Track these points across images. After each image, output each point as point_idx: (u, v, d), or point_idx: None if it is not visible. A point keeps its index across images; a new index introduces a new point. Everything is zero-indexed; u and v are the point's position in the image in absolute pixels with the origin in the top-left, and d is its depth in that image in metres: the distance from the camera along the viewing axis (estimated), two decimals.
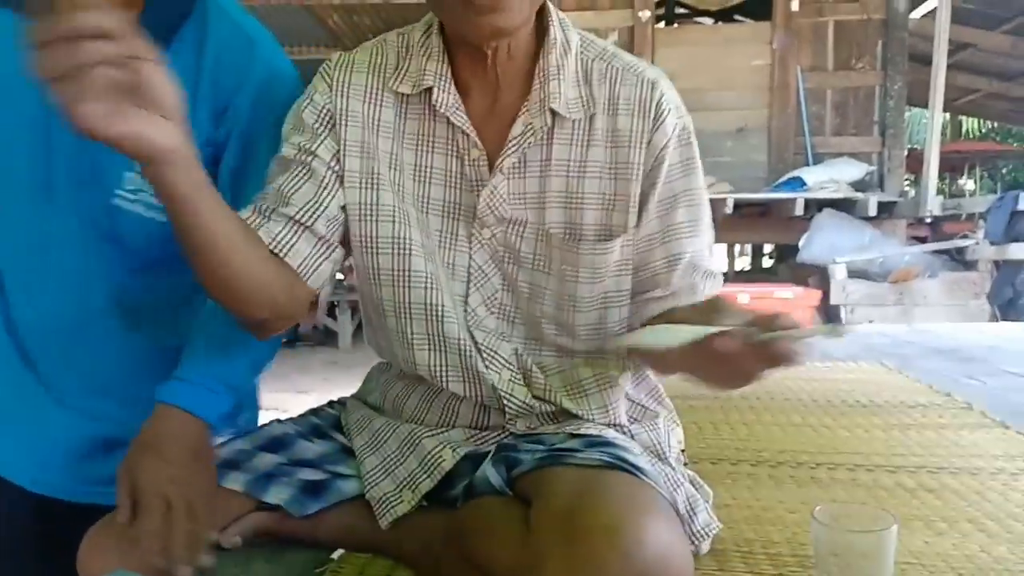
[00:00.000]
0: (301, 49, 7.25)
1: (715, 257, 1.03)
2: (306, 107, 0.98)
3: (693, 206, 0.98)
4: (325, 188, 0.96)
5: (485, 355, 0.99)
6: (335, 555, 1.02)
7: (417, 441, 1.01)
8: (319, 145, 0.96)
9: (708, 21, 7.47)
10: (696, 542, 1.00)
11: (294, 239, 0.94)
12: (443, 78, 0.95)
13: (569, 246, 0.96)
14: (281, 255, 0.94)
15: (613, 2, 6.34)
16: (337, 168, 0.97)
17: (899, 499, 1.30)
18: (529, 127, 0.94)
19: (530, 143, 0.94)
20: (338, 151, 0.97)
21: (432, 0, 0.91)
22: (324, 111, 0.98)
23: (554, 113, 0.94)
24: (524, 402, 1.00)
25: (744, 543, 1.09)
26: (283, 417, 1.12)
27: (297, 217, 0.94)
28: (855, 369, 2.50)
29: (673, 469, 1.01)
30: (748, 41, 6.32)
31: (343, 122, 0.97)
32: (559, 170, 0.95)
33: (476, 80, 0.96)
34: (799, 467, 1.47)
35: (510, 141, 0.94)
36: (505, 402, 0.99)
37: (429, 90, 0.95)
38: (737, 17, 7.10)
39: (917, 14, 7.15)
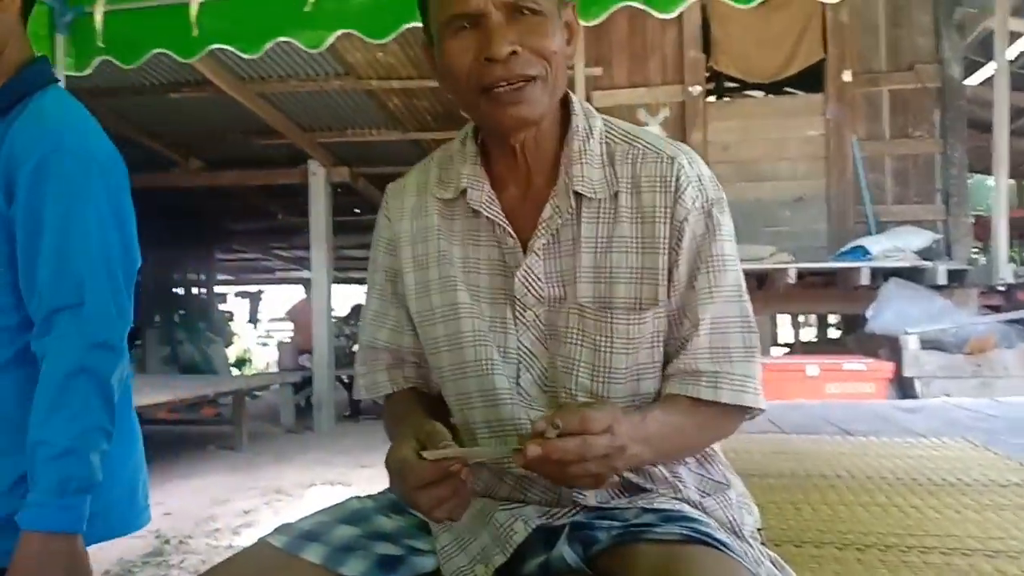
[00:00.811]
0: (363, 131, 7.51)
1: (749, 328, 1.02)
2: (377, 244, 1.15)
3: (714, 272, 0.99)
4: (402, 314, 1.11)
5: None
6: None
7: (490, 516, 1.02)
8: (389, 280, 1.12)
9: (759, 94, 7.51)
10: None
11: (405, 372, 1.14)
12: (477, 178, 1.04)
13: (602, 317, 0.99)
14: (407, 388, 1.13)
15: (664, 78, 6.43)
16: (399, 290, 1.11)
17: None
18: (556, 210, 1.00)
19: (558, 224, 1.00)
20: (396, 274, 1.11)
21: (462, 100, 0.99)
22: (388, 243, 1.13)
23: (578, 195, 1.00)
24: None
25: None
26: (361, 494, 1.13)
27: (392, 361, 1.13)
28: (939, 446, 2.40)
29: (751, 546, 0.98)
30: (801, 113, 6.33)
31: (399, 245, 1.11)
32: (587, 247, 1.00)
33: (509, 173, 1.04)
34: (888, 550, 1.41)
35: (540, 224, 1.01)
36: None
37: (466, 191, 1.03)
38: (788, 90, 7.12)
39: (974, 80, 7.07)
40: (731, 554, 0.85)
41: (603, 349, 0.99)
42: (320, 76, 6.22)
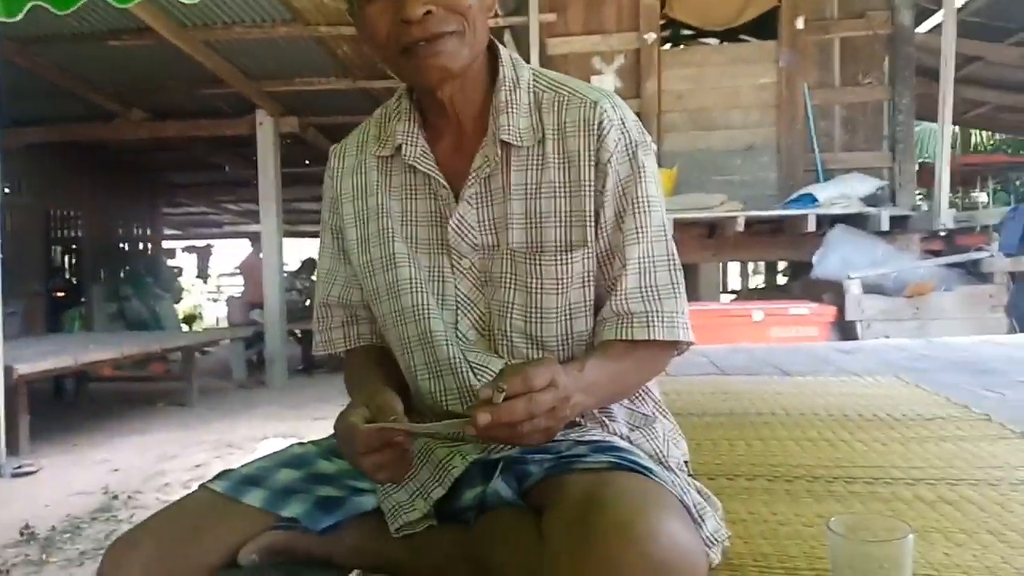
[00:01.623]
0: (312, 80, 7.33)
1: (675, 265, 1.04)
2: (324, 203, 1.18)
3: (640, 213, 1.01)
4: (351, 272, 1.14)
5: (478, 372, 1.04)
6: (352, 575, 1.01)
7: (429, 452, 1.05)
8: (335, 238, 1.16)
9: (714, 42, 7.50)
10: (707, 548, 0.99)
11: (359, 329, 1.17)
12: (410, 134, 1.07)
13: (533, 260, 1.02)
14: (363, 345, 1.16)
15: (619, 25, 6.39)
16: (344, 246, 1.14)
17: (918, 512, 1.28)
18: (485, 159, 1.03)
19: (487, 173, 1.03)
20: (342, 230, 1.14)
21: (388, 63, 1.01)
22: (332, 201, 1.16)
23: (506, 144, 1.02)
24: None
25: (761, 557, 1.08)
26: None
27: (346, 318, 1.17)
28: (871, 383, 2.48)
29: (677, 476, 1.02)
30: (754, 60, 6.35)
31: (340, 203, 1.14)
32: (517, 194, 1.03)
33: (441, 126, 1.08)
34: (815, 481, 1.46)
35: (471, 173, 1.03)
36: None
37: (401, 147, 1.07)
38: (742, 37, 7.12)
39: (923, 28, 7.15)
40: (656, 479, 0.89)
41: (534, 291, 1.02)
42: (266, 23, 6.03)
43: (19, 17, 4.13)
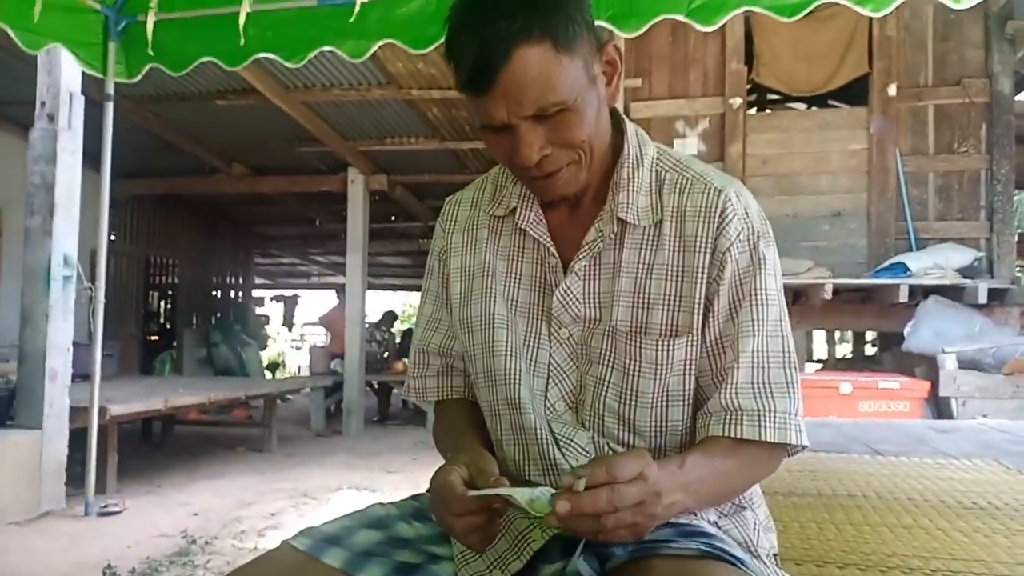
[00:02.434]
0: (402, 140, 7.58)
1: (791, 363, 1.00)
2: (432, 251, 1.19)
3: (756, 306, 0.98)
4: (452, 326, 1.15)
5: (563, 444, 1.03)
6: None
7: (509, 523, 1.03)
8: (442, 287, 1.17)
9: (801, 107, 7.42)
10: None
11: (454, 381, 1.18)
12: (527, 198, 1.08)
13: (634, 341, 1.00)
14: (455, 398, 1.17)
15: (704, 90, 6.40)
16: (449, 297, 1.15)
17: None
18: (600, 234, 1.03)
19: (600, 248, 1.03)
20: (447, 281, 1.15)
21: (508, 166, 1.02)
22: (441, 252, 1.17)
23: (622, 221, 1.02)
24: None
25: None
26: (385, 501, 1.14)
27: (442, 368, 1.18)
28: (970, 467, 2.34)
29: (767, 566, 0.97)
30: (843, 126, 6.24)
31: (449, 255, 1.15)
32: (628, 272, 1.02)
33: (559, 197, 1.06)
34: (912, 573, 1.37)
35: (584, 246, 1.03)
36: None
37: (515, 210, 1.08)
38: (832, 103, 7.03)
39: (1023, 96, 6.92)
40: (747, 571, 0.85)
41: (631, 372, 1.00)
42: (362, 85, 6.30)
43: (137, 78, 4.42)
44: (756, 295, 0.98)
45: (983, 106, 6.00)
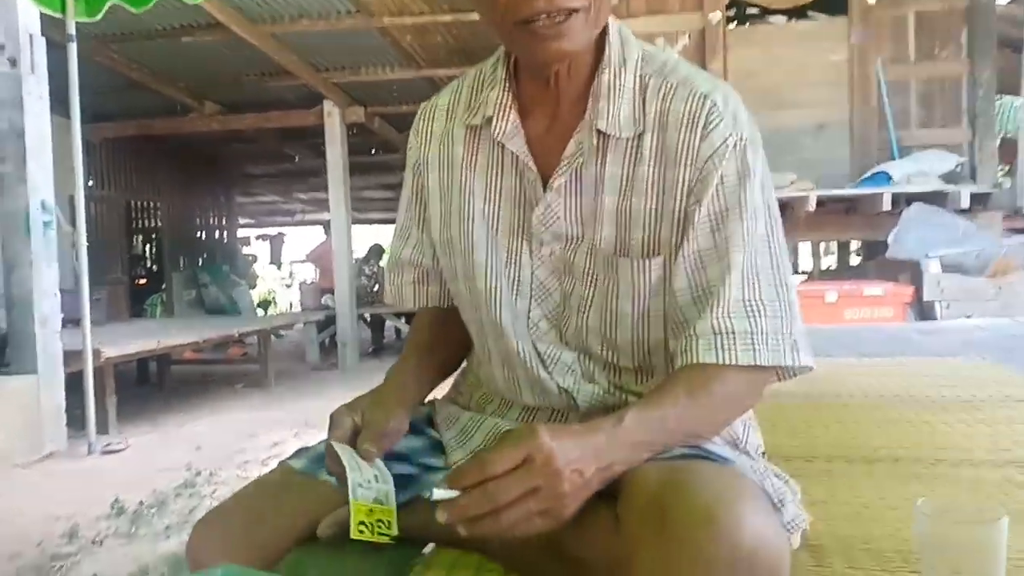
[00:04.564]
0: (377, 70, 7.42)
1: (784, 279, 0.92)
2: (407, 162, 1.14)
3: (745, 219, 0.91)
4: (424, 236, 1.13)
5: (548, 363, 1.02)
6: (426, 550, 1.03)
7: (500, 432, 1.04)
8: (416, 201, 1.13)
9: (781, 20, 7.29)
10: (788, 534, 0.98)
11: (429, 289, 1.15)
12: (503, 106, 0.99)
13: (614, 261, 0.96)
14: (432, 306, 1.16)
15: (683, 5, 6.28)
16: (424, 214, 1.11)
17: (1007, 494, 1.24)
18: (579, 147, 0.95)
19: (580, 162, 0.95)
20: (422, 197, 1.11)
21: (496, 29, 0.92)
22: (415, 164, 1.12)
23: (603, 133, 0.94)
24: (594, 397, 1.01)
25: (842, 539, 1.07)
26: None
27: (417, 276, 1.15)
28: (954, 365, 2.40)
29: (755, 461, 0.99)
30: (824, 37, 6.17)
31: (426, 170, 1.10)
32: (611, 188, 0.95)
33: (538, 102, 0.99)
34: (897, 463, 1.42)
35: (562, 161, 0.96)
36: (577, 400, 1.01)
37: (491, 119, 1.00)
38: (811, 14, 6.91)
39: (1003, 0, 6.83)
40: (734, 467, 0.86)
41: (611, 293, 0.97)
42: (332, 14, 6.13)
43: (99, 17, 4.29)
44: (744, 207, 0.91)
45: (963, 10, 5.93)
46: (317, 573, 0.96)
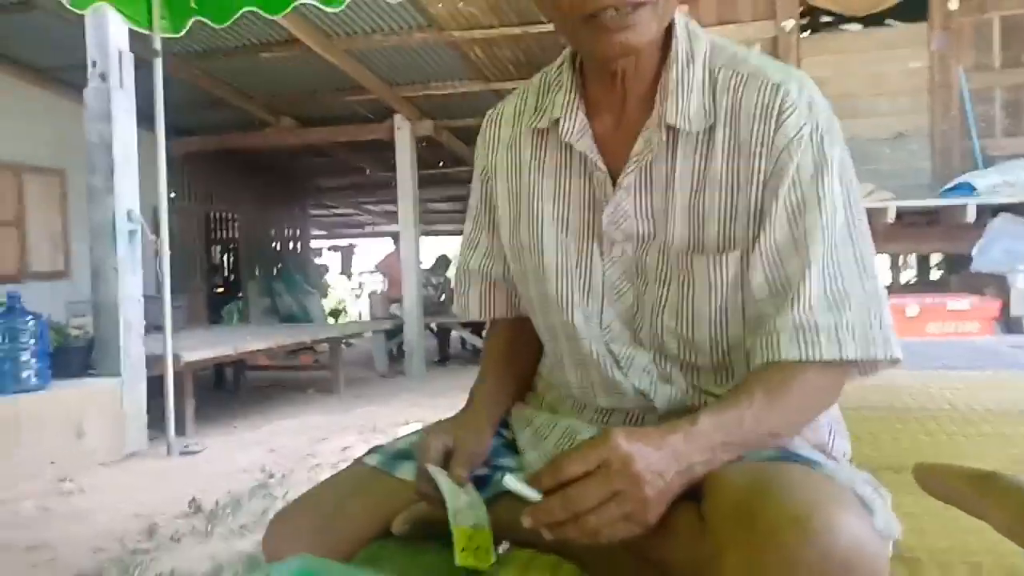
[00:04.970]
0: (446, 84, 7.53)
1: (868, 269, 0.90)
2: (475, 169, 1.14)
3: (824, 211, 0.88)
4: (494, 243, 1.13)
5: (623, 365, 1.00)
6: (501, 548, 1.03)
7: (575, 435, 1.03)
8: (484, 208, 1.13)
9: (856, 27, 7.11)
10: None
11: (495, 300, 1.15)
12: (570, 107, 0.98)
13: (686, 260, 0.94)
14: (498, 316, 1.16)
15: (755, 13, 6.18)
16: (493, 220, 1.12)
17: None
18: (648, 143, 0.93)
19: (649, 159, 0.94)
20: (490, 203, 1.11)
21: (561, 26, 0.92)
22: (483, 171, 1.12)
23: (672, 128, 0.92)
24: (671, 398, 0.99)
25: (938, 552, 1.02)
26: None
27: (484, 287, 1.15)
28: None
29: (843, 468, 0.95)
30: (902, 44, 5.98)
31: (494, 176, 1.10)
32: (682, 184, 0.94)
33: (605, 102, 0.98)
34: None
35: (631, 158, 0.94)
36: (655, 400, 0.99)
37: (558, 121, 0.99)
38: (888, 21, 6.72)
39: None
40: (821, 470, 0.83)
41: (686, 291, 0.95)
42: (403, 29, 6.25)
43: (183, 32, 4.46)
44: (822, 198, 0.88)
45: None
46: (393, 568, 0.96)
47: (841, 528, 0.69)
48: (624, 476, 0.76)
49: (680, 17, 0.96)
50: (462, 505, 0.95)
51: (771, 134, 0.90)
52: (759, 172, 0.90)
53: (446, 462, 0.97)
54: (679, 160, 0.94)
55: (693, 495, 0.84)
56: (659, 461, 0.78)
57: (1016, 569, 0.94)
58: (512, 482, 0.80)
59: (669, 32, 0.95)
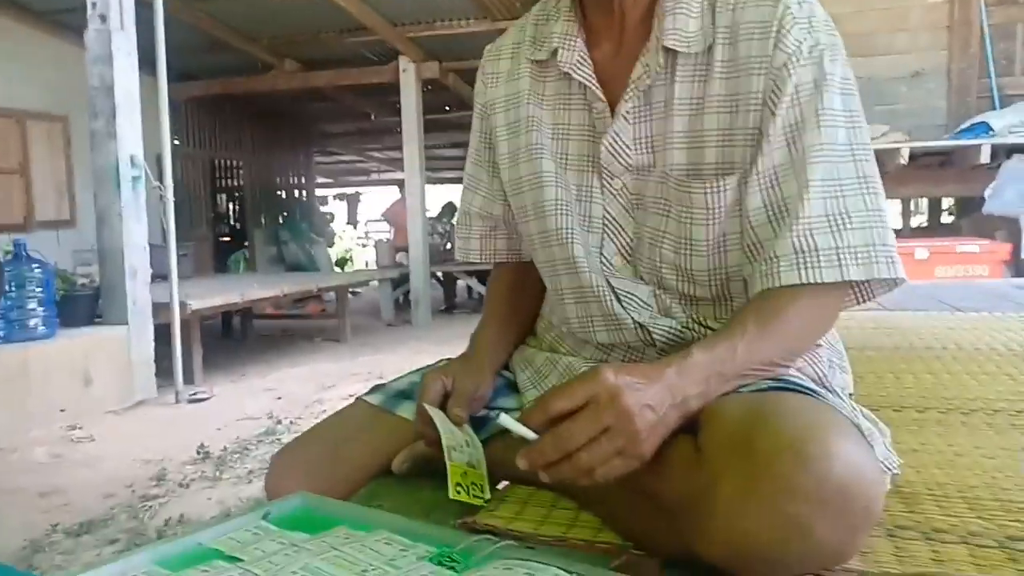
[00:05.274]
0: (452, 23, 7.38)
1: (870, 188, 0.86)
2: (475, 107, 1.13)
3: (824, 128, 0.85)
4: (495, 182, 1.11)
5: (624, 299, 0.99)
6: (500, 486, 1.03)
7: (575, 371, 1.03)
8: (485, 146, 1.12)
9: None
10: None
11: (496, 244, 1.14)
12: (569, 37, 0.97)
13: (685, 186, 0.91)
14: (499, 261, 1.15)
15: None
16: (493, 157, 1.10)
17: None
18: (646, 68, 0.91)
19: (648, 85, 0.92)
20: (491, 140, 1.09)
21: None
22: (482, 107, 1.11)
23: (670, 51, 0.90)
24: (671, 331, 0.97)
25: (936, 486, 1.01)
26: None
27: (485, 230, 1.14)
28: None
29: (843, 400, 0.94)
30: None
31: (493, 111, 1.08)
32: (681, 109, 0.91)
33: (604, 30, 0.96)
34: (996, 414, 1.34)
35: (629, 85, 0.92)
36: (653, 335, 0.97)
37: (557, 51, 0.97)
38: None
39: None
40: (821, 399, 0.82)
41: (684, 220, 0.92)
42: None
43: None
44: (822, 115, 0.85)
45: None
46: (392, 505, 0.96)
47: (838, 454, 0.67)
48: (613, 410, 0.74)
49: None
50: (458, 443, 0.95)
51: (770, 51, 0.87)
52: (758, 91, 0.88)
53: (444, 403, 0.97)
54: (677, 84, 0.91)
55: (690, 429, 0.83)
56: (651, 394, 0.76)
57: (1010, 502, 0.93)
58: (507, 421, 0.79)
59: None
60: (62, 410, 4.15)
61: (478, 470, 0.95)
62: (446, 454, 0.94)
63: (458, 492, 0.94)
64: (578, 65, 0.96)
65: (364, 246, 16.73)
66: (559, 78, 1.00)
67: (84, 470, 3.37)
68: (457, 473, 0.94)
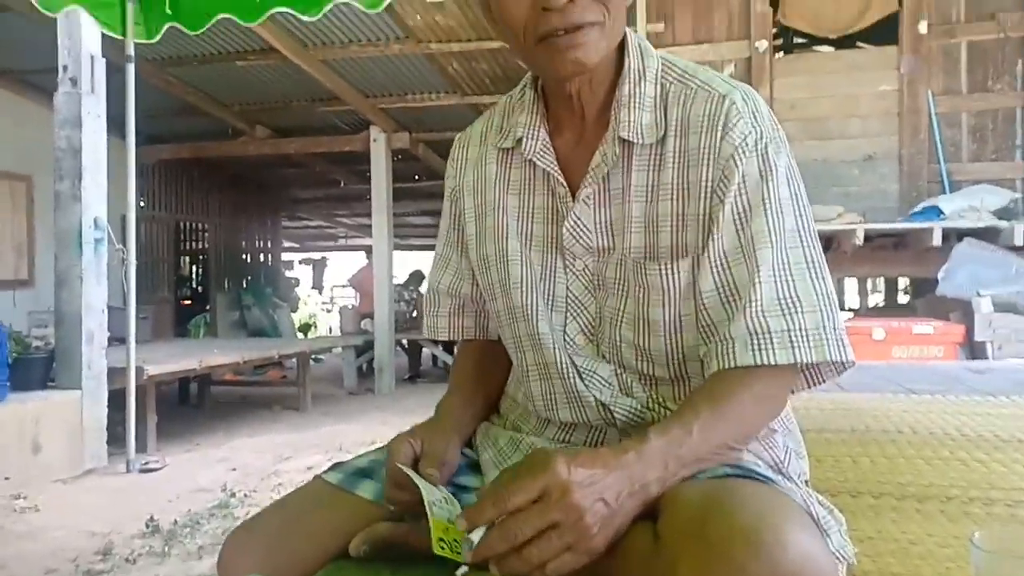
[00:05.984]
0: (423, 96, 7.53)
1: (819, 273, 0.90)
2: (445, 191, 1.17)
3: (771, 215, 0.90)
4: (463, 262, 1.14)
5: (586, 377, 1.00)
6: (459, 572, 1.01)
7: (517, 444, 1.05)
8: (454, 228, 1.15)
9: (829, 49, 7.23)
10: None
11: (464, 322, 1.16)
12: (532, 127, 1.02)
13: (642, 268, 0.95)
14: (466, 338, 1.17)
15: (729, 34, 6.26)
16: (462, 238, 1.13)
17: None
18: (604, 157, 0.96)
19: (605, 172, 0.97)
20: (460, 222, 1.13)
21: (519, 51, 0.96)
22: (452, 191, 1.15)
23: (624, 141, 0.96)
24: (632, 411, 0.99)
25: None
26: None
27: (453, 308, 1.16)
28: (1007, 403, 2.31)
29: (798, 487, 0.95)
30: (873, 67, 6.09)
31: (462, 194, 1.13)
32: (637, 195, 0.96)
33: (565, 120, 1.02)
34: (949, 502, 1.36)
35: (589, 172, 0.98)
36: (615, 414, 0.99)
37: (521, 140, 1.03)
38: (860, 44, 6.84)
39: None
40: (776, 487, 0.83)
41: (642, 301, 0.96)
42: (380, 40, 6.25)
43: (156, 39, 4.42)
44: (768, 204, 0.90)
45: (1019, 40, 5.81)
46: None
47: (791, 543, 0.68)
48: (562, 506, 0.74)
49: (632, 36, 1.00)
50: (436, 499, 0.93)
51: (718, 143, 0.92)
52: (707, 180, 0.92)
53: (415, 466, 0.97)
54: (634, 172, 0.96)
55: (650, 515, 0.83)
56: (606, 485, 0.77)
57: None
58: (479, 536, 0.78)
59: (623, 50, 0.99)
60: (6, 478, 4.00)
61: (456, 528, 0.94)
62: (427, 509, 0.93)
63: (441, 548, 0.92)
64: (541, 153, 1.01)
65: (329, 311, 16.61)
66: (524, 164, 1.05)
67: (27, 542, 3.23)
68: (440, 528, 0.93)
